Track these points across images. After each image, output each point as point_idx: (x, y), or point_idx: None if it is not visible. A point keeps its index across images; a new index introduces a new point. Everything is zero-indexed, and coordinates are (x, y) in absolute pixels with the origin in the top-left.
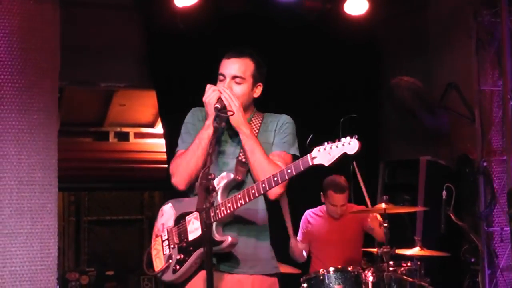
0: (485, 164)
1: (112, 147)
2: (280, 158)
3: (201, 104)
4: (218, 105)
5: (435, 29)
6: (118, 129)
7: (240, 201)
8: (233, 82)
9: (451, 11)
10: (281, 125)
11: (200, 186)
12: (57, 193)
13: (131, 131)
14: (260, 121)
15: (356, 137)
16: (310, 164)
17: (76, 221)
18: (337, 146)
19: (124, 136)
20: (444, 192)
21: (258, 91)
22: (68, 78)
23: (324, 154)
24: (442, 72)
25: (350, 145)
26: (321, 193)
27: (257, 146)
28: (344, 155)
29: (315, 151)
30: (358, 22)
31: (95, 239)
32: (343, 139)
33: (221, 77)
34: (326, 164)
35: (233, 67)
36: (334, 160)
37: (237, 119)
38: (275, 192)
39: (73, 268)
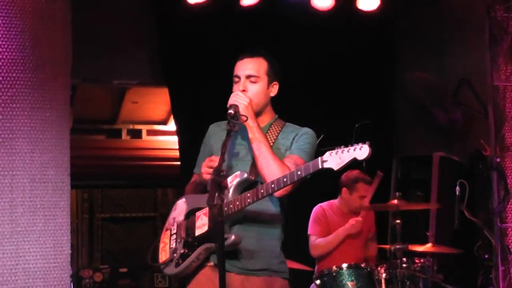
0: (498, 160)
1: (125, 144)
2: (292, 160)
3: (212, 103)
4: (231, 111)
5: (448, 24)
6: (131, 127)
7: (248, 200)
8: (248, 81)
9: (464, 6)
10: (301, 134)
11: (212, 182)
12: (69, 191)
13: (144, 128)
14: (279, 129)
15: (368, 143)
16: (320, 167)
17: (89, 219)
18: (348, 151)
19: (137, 134)
20: (457, 188)
21: (274, 90)
22: (80, 76)
23: (335, 158)
24: (455, 68)
25: (360, 150)
26: (344, 189)
27: (262, 140)
28: (354, 160)
29: (327, 155)
30: (371, 18)
31: (108, 236)
32: (355, 145)
33: (236, 79)
34: (335, 169)
35: (247, 66)
36: (343, 165)
37: (245, 113)
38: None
39: (86, 265)
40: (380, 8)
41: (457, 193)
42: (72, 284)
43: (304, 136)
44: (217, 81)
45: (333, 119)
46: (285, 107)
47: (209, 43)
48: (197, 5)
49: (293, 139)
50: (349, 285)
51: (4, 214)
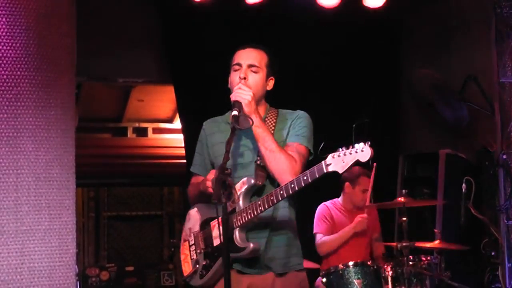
0: (504, 157)
1: (131, 142)
2: (293, 149)
3: (218, 101)
4: (236, 113)
5: (455, 21)
6: (137, 125)
7: (260, 208)
8: (249, 70)
9: (470, 3)
10: (296, 119)
11: (217, 180)
12: (74, 189)
13: (150, 126)
14: (275, 119)
15: (369, 143)
16: (325, 171)
17: (95, 217)
18: (350, 153)
19: (142, 132)
20: (463, 185)
21: (270, 84)
22: (86, 74)
23: (338, 161)
24: (461, 65)
25: (363, 152)
26: (347, 183)
27: (267, 134)
28: (358, 162)
29: (330, 158)
30: (377, 15)
31: (115, 235)
32: (356, 146)
33: (236, 67)
34: (340, 171)
35: (250, 55)
36: (347, 168)
37: (249, 108)
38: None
39: (93, 264)
40: (386, 5)
41: (464, 190)
42: (78, 282)
43: (299, 120)
44: (223, 79)
45: (339, 116)
46: (290, 104)
47: (215, 41)
48: (202, 3)
49: (289, 126)
50: (356, 283)
51: (9, 213)
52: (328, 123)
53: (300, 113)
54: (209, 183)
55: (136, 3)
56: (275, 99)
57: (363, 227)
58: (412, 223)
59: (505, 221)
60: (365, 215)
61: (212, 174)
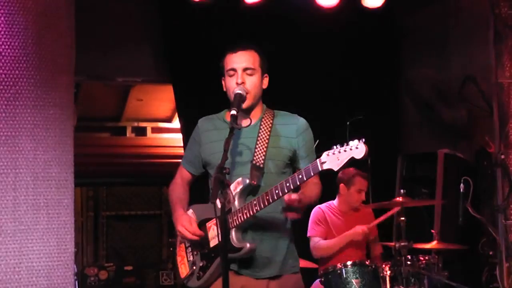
0: (502, 156)
1: (130, 142)
2: None
3: (217, 100)
4: (234, 112)
5: (454, 21)
6: (136, 124)
7: (256, 207)
8: (245, 74)
9: (468, 3)
10: (301, 133)
11: (215, 180)
12: (73, 189)
13: (149, 126)
14: (271, 122)
15: (363, 140)
16: (320, 169)
17: (94, 216)
18: (345, 150)
19: (141, 131)
20: (462, 185)
21: (265, 82)
22: (85, 73)
23: (333, 159)
24: (460, 65)
25: (357, 149)
26: (342, 185)
27: (313, 199)
28: (352, 159)
29: (324, 156)
30: (376, 15)
31: (113, 234)
32: (351, 143)
33: (231, 72)
34: (335, 169)
35: (243, 59)
36: (343, 165)
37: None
38: None
39: (91, 263)
40: (385, 5)
41: (462, 190)
42: (76, 282)
43: (304, 134)
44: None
45: (338, 116)
46: (289, 104)
47: (214, 40)
48: (202, 2)
49: (293, 138)
50: (354, 283)
51: (7, 212)
52: (327, 124)
53: (300, 123)
54: (180, 228)
55: (135, 2)
56: (275, 99)
57: (360, 238)
58: (411, 223)
59: (503, 221)
60: (365, 228)
61: (186, 221)
